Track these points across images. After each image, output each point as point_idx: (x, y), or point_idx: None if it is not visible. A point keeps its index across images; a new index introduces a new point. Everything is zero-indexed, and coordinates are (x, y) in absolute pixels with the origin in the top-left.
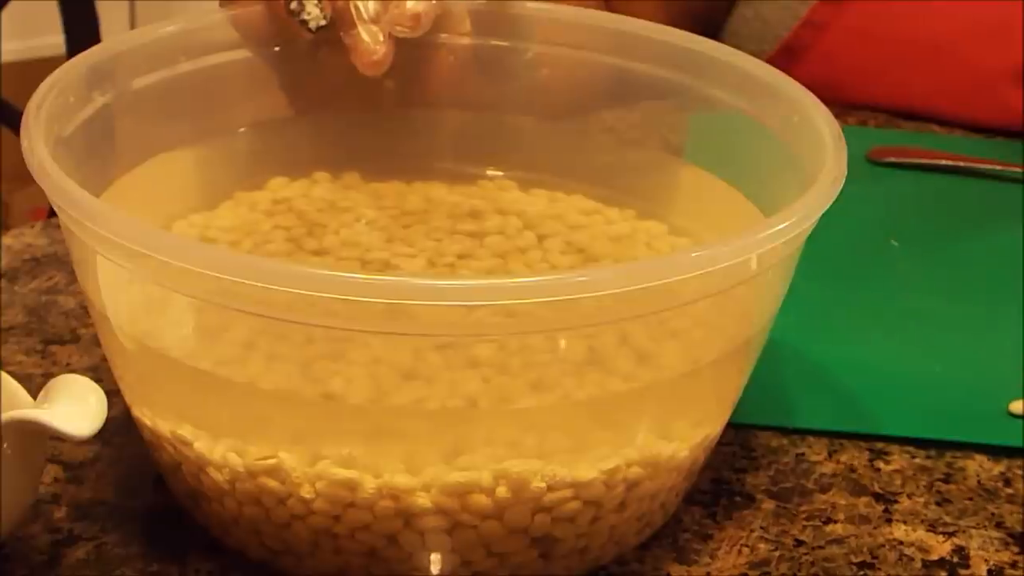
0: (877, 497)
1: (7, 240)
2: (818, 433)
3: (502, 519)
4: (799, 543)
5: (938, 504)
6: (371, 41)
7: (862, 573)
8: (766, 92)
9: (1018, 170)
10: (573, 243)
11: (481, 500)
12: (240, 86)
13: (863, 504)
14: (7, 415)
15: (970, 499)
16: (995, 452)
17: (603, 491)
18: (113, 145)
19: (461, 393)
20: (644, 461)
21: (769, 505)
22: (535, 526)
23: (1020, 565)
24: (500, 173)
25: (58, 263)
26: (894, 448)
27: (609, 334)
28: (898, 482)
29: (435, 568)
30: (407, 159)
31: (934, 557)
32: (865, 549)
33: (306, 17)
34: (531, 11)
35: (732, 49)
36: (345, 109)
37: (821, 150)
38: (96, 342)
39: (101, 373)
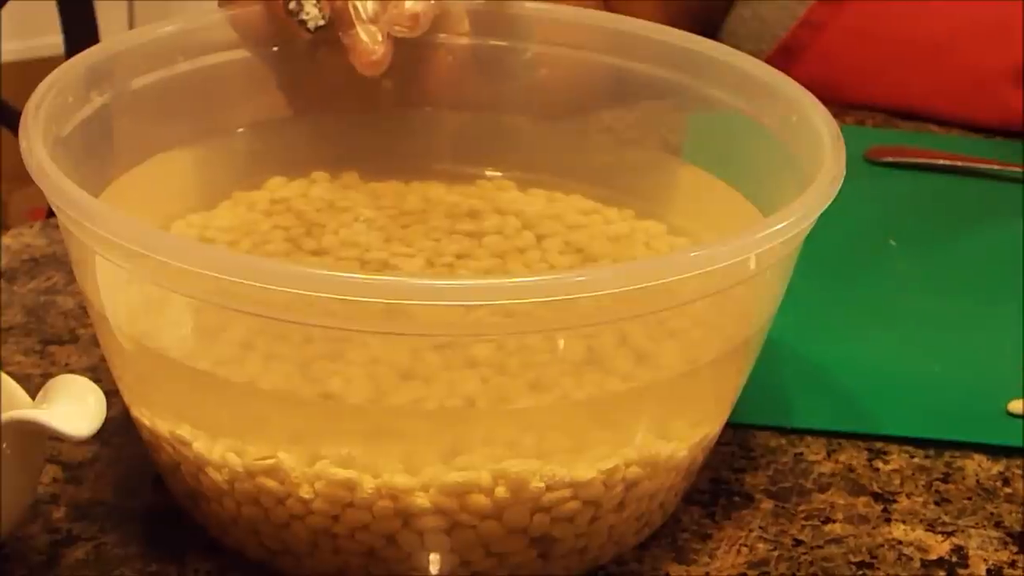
0: (876, 497)
1: (6, 240)
2: (817, 433)
3: (501, 519)
4: (798, 543)
5: (937, 504)
6: (370, 41)
7: (861, 573)
8: (764, 92)
9: (1016, 170)
10: (572, 243)
11: (480, 500)
12: (239, 86)
13: (862, 504)
14: (6, 415)
15: (969, 499)
16: (994, 452)
17: (602, 491)
18: (112, 145)
19: (460, 393)
20: (643, 461)
21: (768, 505)
22: (534, 526)
23: (1019, 564)
24: (499, 173)
25: (57, 263)
26: (893, 448)
27: (608, 334)
28: (897, 482)
29: (434, 568)
30: (406, 159)
31: (933, 557)
32: (864, 549)
33: (305, 17)
34: (530, 11)
35: (730, 49)
36: (344, 109)
37: (819, 150)
38: (95, 342)
39: (100, 373)
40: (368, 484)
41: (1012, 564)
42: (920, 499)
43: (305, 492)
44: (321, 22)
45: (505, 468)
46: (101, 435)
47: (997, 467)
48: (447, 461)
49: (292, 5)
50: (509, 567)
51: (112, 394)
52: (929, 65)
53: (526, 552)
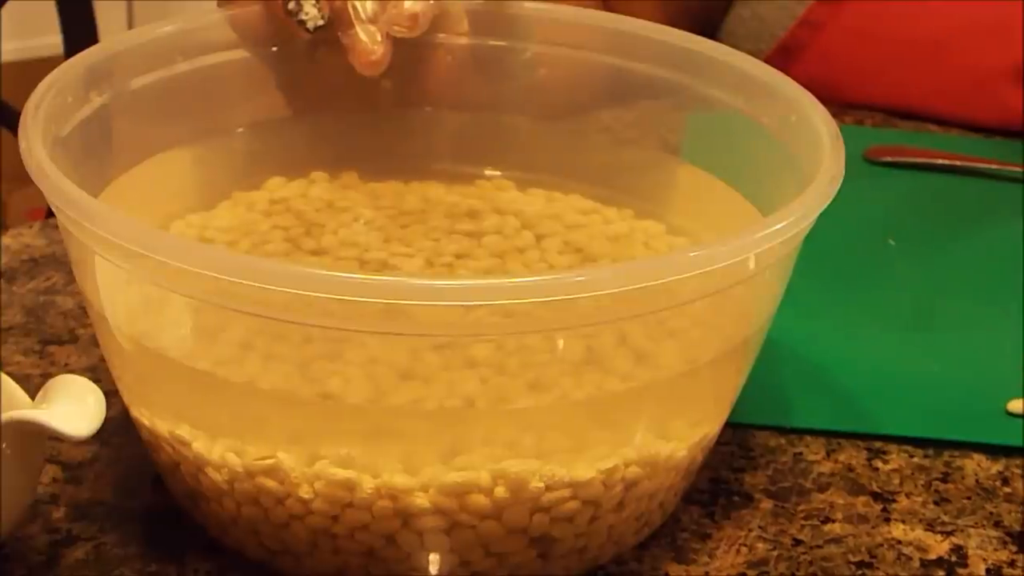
0: (875, 496)
1: (5, 240)
2: (816, 432)
3: (500, 519)
4: (797, 542)
5: (936, 503)
6: (369, 41)
7: (860, 572)
8: (764, 91)
9: (1016, 169)
10: (571, 243)
11: (479, 500)
12: (238, 86)
13: (861, 503)
14: (6, 415)
15: (968, 498)
16: (993, 451)
17: (601, 491)
18: (111, 145)
19: (459, 393)
20: (642, 461)
21: (767, 504)
22: (533, 526)
23: (1018, 564)
24: (498, 173)
25: (56, 263)
26: (892, 447)
27: (607, 334)
28: (896, 481)
29: (434, 568)
30: (405, 159)
31: (932, 556)
32: (863, 548)
33: (304, 17)
34: (529, 11)
35: (730, 49)
36: (343, 109)
37: (819, 149)
38: (94, 342)
39: (99, 373)
40: (368, 484)
41: (1011, 564)
42: (919, 499)
43: (305, 492)
44: (320, 22)
45: (504, 468)
46: (101, 435)
47: (996, 467)
48: (446, 461)
49: (291, 5)
50: (509, 567)
51: (111, 394)
52: (928, 65)
53: (526, 552)
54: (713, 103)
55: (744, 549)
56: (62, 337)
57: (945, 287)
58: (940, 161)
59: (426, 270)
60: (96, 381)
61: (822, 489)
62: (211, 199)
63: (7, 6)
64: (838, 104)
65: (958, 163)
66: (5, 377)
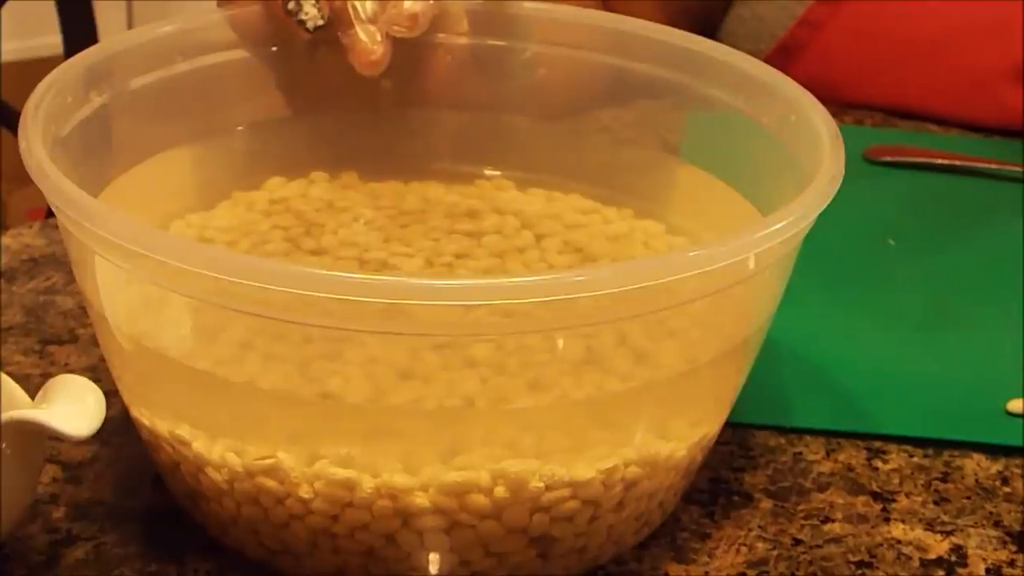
0: (875, 496)
1: (5, 240)
2: (816, 432)
3: (500, 519)
4: (797, 542)
5: (936, 503)
6: (369, 41)
7: (860, 572)
8: (763, 91)
9: (1015, 169)
10: (571, 242)
11: (479, 500)
12: (237, 86)
13: (861, 503)
14: (6, 415)
15: (968, 498)
16: (993, 451)
17: (601, 491)
18: (110, 145)
19: (459, 393)
20: (642, 460)
21: (767, 504)
22: (533, 526)
23: (1018, 564)
24: (497, 173)
25: (56, 263)
26: (892, 447)
27: (607, 333)
28: (896, 481)
29: (433, 568)
30: (405, 159)
31: (932, 556)
32: (863, 548)
33: (303, 17)
34: (528, 11)
35: (729, 48)
36: (343, 109)
37: (818, 149)
38: (94, 342)
39: (99, 373)
40: (367, 484)
41: (1011, 563)
42: (919, 498)
43: (304, 492)
44: (320, 22)
45: (504, 468)
46: (100, 435)
47: (996, 466)
48: (446, 461)
49: (291, 5)
50: (508, 567)
51: (111, 394)
52: (928, 64)
53: (525, 552)
54: (713, 103)
55: (744, 549)
56: (62, 337)
57: (945, 287)
58: (940, 161)
59: (426, 270)
60: (96, 381)
61: (822, 489)
62: (211, 199)
63: (7, 6)
64: (838, 104)
65: (958, 163)
66: (5, 377)
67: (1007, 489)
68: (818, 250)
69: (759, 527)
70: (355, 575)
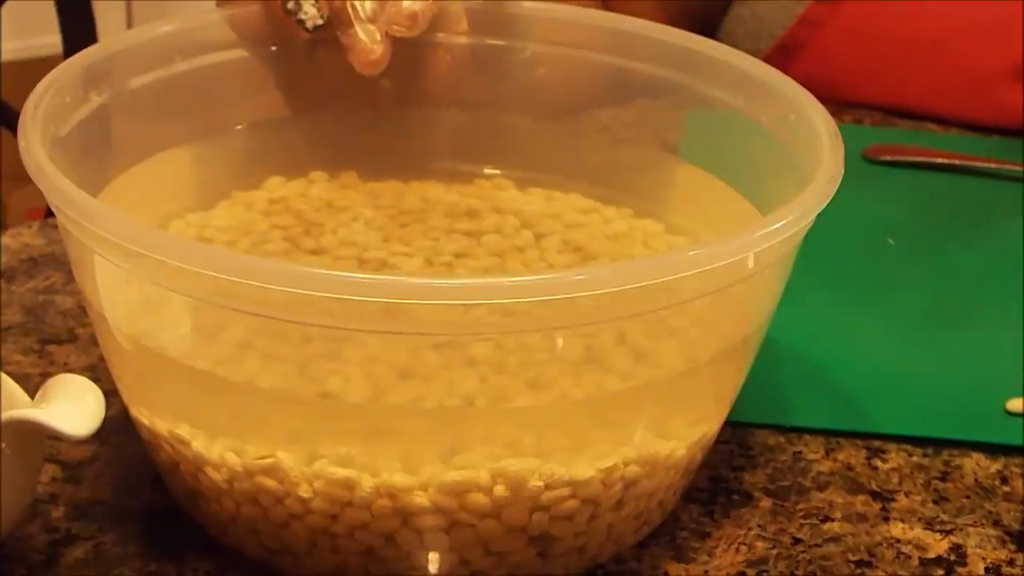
0: (874, 495)
1: (5, 240)
2: (815, 431)
3: (500, 518)
4: (796, 541)
5: (935, 502)
6: (368, 40)
7: (859, 571)
8: (762, 91)
9: (1015, 168)
10: (570, 242)
11: (479, 499)
12: (237, 85)
13: (860, 502)
14: (5, 415)
15: (967, 497)
16: (992, 450)
17: (601, 490)
18: (110, 145)
19: (458, 392)
20: (642, 460)
21: (767, 503)
22: (533, 525)
23: (1017, 563)
24: (497, 172)
25: (55, 263)
26: (891, 446)
27: (606, 333)
28: (895, 480)
29: (433, 567)
30: (404, 158)
31: (931, 555)
32: (862, 547)
33: (303, 16)
34: (528, 10)
35: (728, 48)
36: (342, 108)
37: (817, 148)
38: (94, 342)
39: (99, 373)
40: (367, 483)
41: (1010, 562)
42: (918, 497)
43: (304, 491)
44: (319, 21)
45: (504, 467)
46: (100, 434)
47: (995, 465)
48: (446, 460)
49: (290, 4)
50: (508, 566)
51: (111, 393)
52: (927, 64)
53: (525, 551)
54: (712, 102)
55: (743, 548)
56: (61, 336)
57: (944, 286)
58: (939, 160)
59: (425, 269)
60: (95, 380)
61: (821, 488)
62: (210, 198)
63: (6, 6)
64: (837, 103)
65: (957, 162)
66: (4, 376)
67: (1006, 488)
68: (817, 249)
69: (758, 526)
70: (355, 574)
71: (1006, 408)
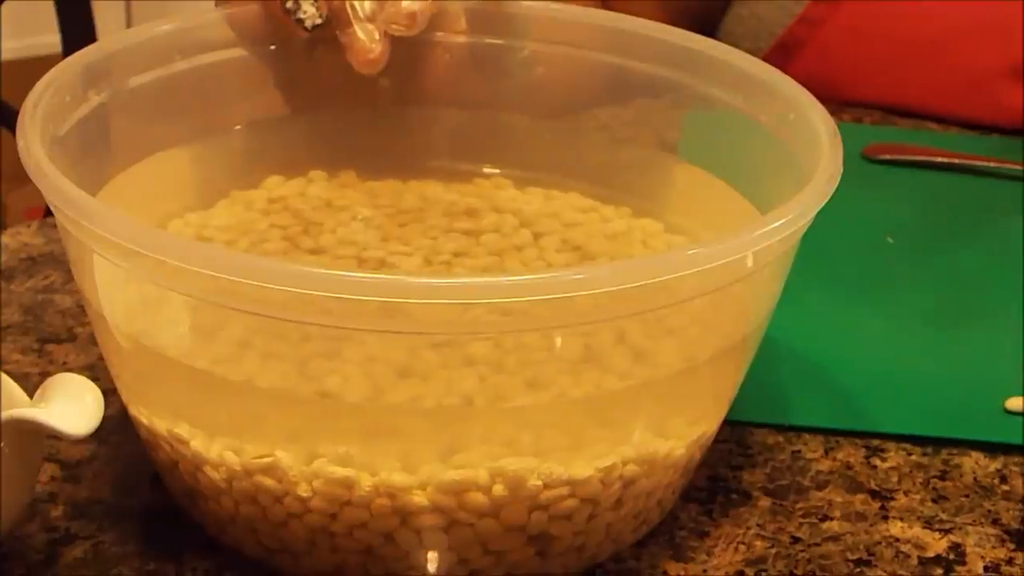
0: (873, 494)
1: (4, 239)
2: (814, 430)
3: (498, 517)
4: (795, 540)
5: (934, 501)
6: (367, 39)
7: (858, 570)
8: (762, 90)
9: (1014, 167)
10: (569, 241)
11: (478, 498)
12: (236, 85)
13: (859, 501)
14: (4, 414)
15: (966, 496)
16: (991, 449)
17: (599, 489)
18: (109, 144)
19: (457, 391)
20: (640, 459)
21: (765, 502)
22: (532, 524)
23: (1016, 562)
24: (496, 171)
25: (55, 262)
26: (890, 445)
27: (605, 332)
28: (894, 479)
29: (432, 566)
30: (403, 157)
31: (930, 554)
32: (861, 546)
33: (302, 16)
34: (526, 9)
35: (728, 47)
36: (341, 107)
37: (817, 147)
38: (93, 341)
39: (98, 372)
40: (366, 482)
41: (1009, 561)
42: (918, 496)
43: (303, 490)
44: (318, 20)
45: (503, 466)
46: (99, 434)
47: (994, 464)
48: (445, 459)
49: (289, 4)
50: (507, 565)
51: (110, 393)
52: (926, 63)
53: (524, 550)
54: (711, 101)
55: (742, 547)
56: (60, 336)
57: (944, 285)
58: (939, 159)
59: (424, 268)
60: (94, 380)
61: (820, 487)
62: (209, 198)
63: (6, 5)
64: (836, 102)
65: (957, 161)
66: (4, 376)
67: (1005, 487)
68: (817, 249)
69: (757, 525)
70: (354, 574)
71: (1005, 407)
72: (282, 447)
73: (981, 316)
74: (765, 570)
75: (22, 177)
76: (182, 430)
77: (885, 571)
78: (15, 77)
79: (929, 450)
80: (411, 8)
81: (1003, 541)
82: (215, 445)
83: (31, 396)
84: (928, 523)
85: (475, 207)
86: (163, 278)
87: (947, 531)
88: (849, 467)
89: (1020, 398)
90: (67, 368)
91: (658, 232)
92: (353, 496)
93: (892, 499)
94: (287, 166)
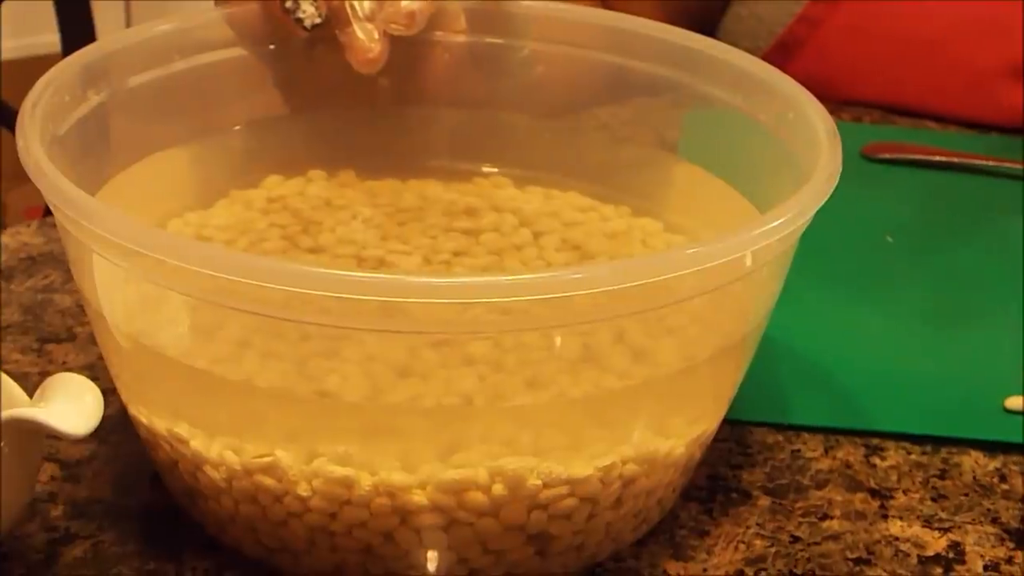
0: (873, 493)
1: (4, 239)
2: (814, 429)
3: (498, 516)
4: (795, 539)
5: (934, 500)
6: (366, 39)
7: (858, 569)
8: (761, 89)
9: (1014, 166)
10: (568, 240)
11: (477, 497)
12: (235, 84)
13: (859, 500)
14: (4, 414)
15: (966, 495)
16: (991, 448)
17: (599, 488)
18: (108, 144)
19: (457, 391)
20: (640, 458)
21: (765, 501)
22: (531, 523)
23: (1016, 561)
24: (495, 170)
25: (54, 262)
26: (890, 444)
27: (605, 331)
28: (894, 478)
29: (431, 565)
30: (402, 157)
31: (930, 553)
32: (861, 545)
33: (301, 15)
34: (526, 8)
35: (727, 46)
36: (340, 107)
37: (816, 146)
38: (92, 340)
39: (97, 371)
40: (365, 482)
41: (1009, 560)
42: (917, 495)
43: (302, 490)
44: (317, 20)
45: (502, 465)
46: (99, 433)
47: (994, 463)
48: (444, 458)
49: (288, 3)
50: (506, 564)
51: (109, 392)
52: (926, 62)
53: (523, 549)
54: (711, 100)
55: (742, 546)
56: (60, 335)
57: (943, 284)
58: (938, 158)
59: (424, 268)
60: (94, 379)
61: (820, 486)
62: (208, 197)
63: (5, 4)
64: (835, 101)
65: (956, 160)
66: (3, 375)
67: (1005, 486)
68: (816, 248)
69: (757, 524)
70: (353, 573)
71: (1005, 406)
72: (282, 446)
73: (980, 315)
74: (765, 569)
75: (22, 176)
76: (182, 429)
77: (885, 570)
78: (15, 77)
79: (929, 449)
80: (410, 7)
81: (1002, 540)
82: (215, 444)
83: (31, 396)
84: (928, 522)
85: (474, 206)
86: (162, 277)
87: (947, 530)
88: (849, 466)
89: (1020, 397)
90: (67, 368)
91: (657, 231)
92: (353, 495)
93: (892, 498)
94: (286, 165)
